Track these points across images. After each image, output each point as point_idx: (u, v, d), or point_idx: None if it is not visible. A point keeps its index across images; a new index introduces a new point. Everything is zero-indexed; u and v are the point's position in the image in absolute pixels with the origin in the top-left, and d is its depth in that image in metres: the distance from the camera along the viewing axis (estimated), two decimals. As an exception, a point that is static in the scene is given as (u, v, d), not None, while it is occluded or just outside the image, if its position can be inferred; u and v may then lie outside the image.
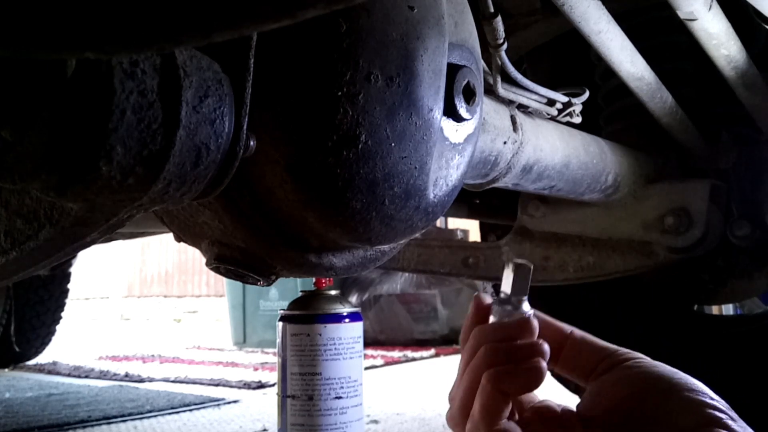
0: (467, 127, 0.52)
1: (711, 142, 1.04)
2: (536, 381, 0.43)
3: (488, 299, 0.48)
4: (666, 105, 0.90)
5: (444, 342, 2.99)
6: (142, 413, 1.57)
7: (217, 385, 2.03)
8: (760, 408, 1.07)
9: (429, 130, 0.47)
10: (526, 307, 0.47)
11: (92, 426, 1.47)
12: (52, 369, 2.44)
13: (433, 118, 0.47)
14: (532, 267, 0.47)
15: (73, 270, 2.35)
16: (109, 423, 1.49)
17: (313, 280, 0.88)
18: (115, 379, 2.19)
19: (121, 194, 0.35)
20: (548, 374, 0.45)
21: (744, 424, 0.40)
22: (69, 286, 2.40)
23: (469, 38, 0.53)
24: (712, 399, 0.41)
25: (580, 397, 0.47)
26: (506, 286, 0.47)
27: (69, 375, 2.34)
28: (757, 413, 1.06)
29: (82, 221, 0.38)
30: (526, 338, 0.45)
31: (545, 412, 0.46)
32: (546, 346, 0.44)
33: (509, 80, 0.69)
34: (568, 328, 0.48)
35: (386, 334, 3.10)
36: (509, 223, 1.13)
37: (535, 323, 0.45)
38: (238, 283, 2.32)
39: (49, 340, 2.50)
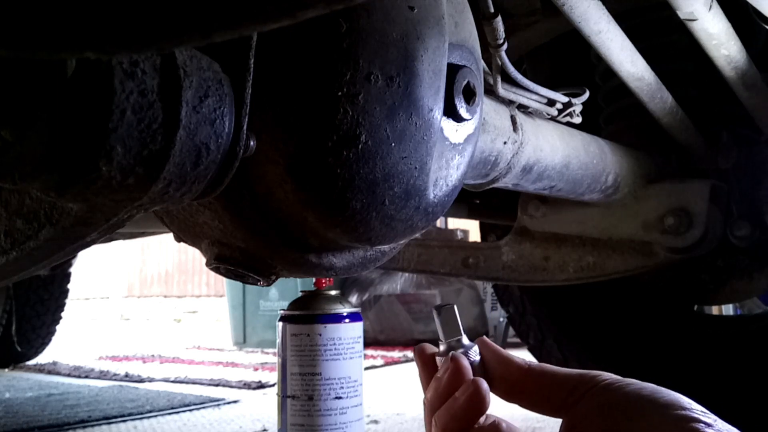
0: (467, 127, 0.52)
1: (711, 142, 1.04)
2: None
3: (431, 349, 0.49)
4: (666, 105, 0.90)
5: (444, 342, 2.98)
6: (142, 413, 1.57)
7: (217, 385, 2.03)
8: (759, 408, 1.07)
9: (429, 130, 0.47)
10: (467, 344, 0.48)
11: (92, 426, 1.47)
12: (52, 369, 2.44)
13: (433, 118, 0.47)
14: (454, 306, 0.48)
15: (73, 270, 2.35)
16: (109, 423, 1.49)
17: (313, 280, 0.88)
18: (115, 379, 2.19)
19: (121, 194, 0.35)
20: None
21: (722, 425, 0.39)
22: (69, 286, 2.40)
23: (469, 38, 0.53)
24: (684, 409, 0.40)
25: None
26: (440, 333, 0.48)
27: (69, 375, 2.34)
28: (757, 413, 1.06)
29: (82, 221, 0.38)
30: (461, 383, 0.45)
31: None
32: (483, 393, 0.44)
33: (509, 80, 0.69)
34: (524, 362, 0.48)
35: (386, 334, 3.10)
36: (509, 223, 1.13)
37: (464, 363, 0.46)
38: (238, 283, 2.32)
39: (49, 340, 2.51)
